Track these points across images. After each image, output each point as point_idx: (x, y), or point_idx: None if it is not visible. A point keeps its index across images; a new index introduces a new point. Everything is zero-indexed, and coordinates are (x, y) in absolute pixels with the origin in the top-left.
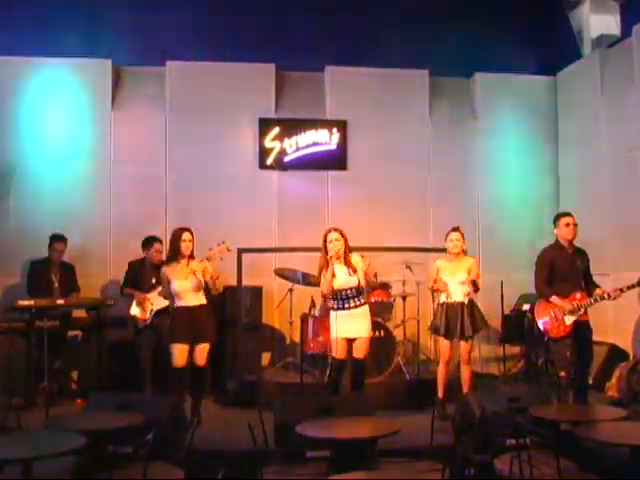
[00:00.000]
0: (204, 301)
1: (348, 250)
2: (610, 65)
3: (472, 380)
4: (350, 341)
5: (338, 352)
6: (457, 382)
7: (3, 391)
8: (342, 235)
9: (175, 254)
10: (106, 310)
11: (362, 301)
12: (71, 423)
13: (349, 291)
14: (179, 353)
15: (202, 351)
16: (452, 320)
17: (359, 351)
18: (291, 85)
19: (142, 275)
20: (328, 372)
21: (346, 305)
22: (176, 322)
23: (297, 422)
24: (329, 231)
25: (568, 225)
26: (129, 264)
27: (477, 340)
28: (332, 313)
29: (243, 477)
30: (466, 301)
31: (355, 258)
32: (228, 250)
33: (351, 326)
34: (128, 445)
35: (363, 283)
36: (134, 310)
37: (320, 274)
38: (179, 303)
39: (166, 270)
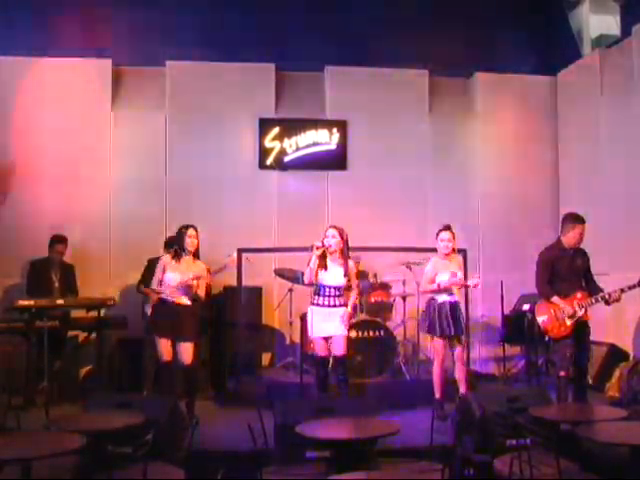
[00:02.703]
0: (189, 302)
1: (347, 250)
2: (610, 65)
3: (468, 379)
4: (327, 339)
5: (319, 349)
6: (455, 382)
7: (3, 391)
8: (340, 234)
9: (180, 250)
10: (106, 310)
11: (343, 302)
12: (71, 423)
13: (334, 289)
14: (163, 347)
15: (186, 350)
16: (446, 319)
17: (338, 348)
18: (291, 85)
19: None
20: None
21: (326, 302)
22: (157, 315)
23: (297, 422)
24: (328, 227)
25: (581, 235)
26: (148, 261)
27: (477, 340)
28: (312, 308)
29: (243, 477)
30: (457, 300)
31: (350, 264)
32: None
33: (326, 325)
34: (128, 445)
35: (353, 287)
36: (147, 309)
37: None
38: (165, 296)
39: (165, 260)
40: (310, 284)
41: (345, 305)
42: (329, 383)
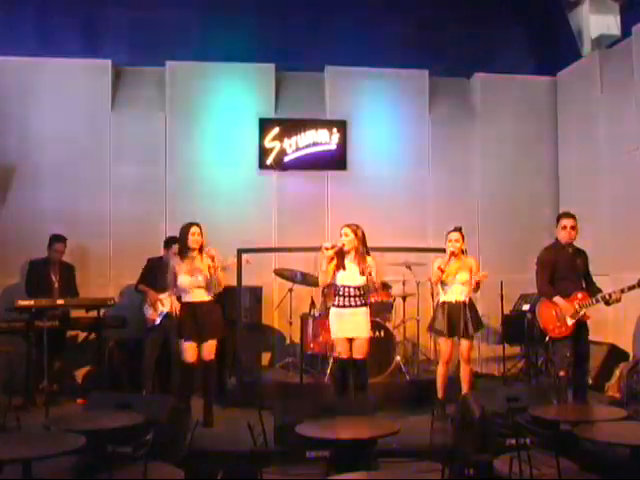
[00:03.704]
0: (208, 297)
1: (365, 250)
2: (610, 65)
3: (471, 379)
4: (350, 340)
5: (342, 351)
6: (457, 382)
7: (3, 391)
8: (354, 232)
9: (184, 249)
10: (106, 310)
11: (364, 301)
12: (71, 423)
13: (354, 289)
14: (188, 349)
15: (210, 347)
16: (455, 319)
17: (359, 351)
18: (291, 85)
19: (159, 273)
20: (329, 372)
21: (347, 303)
22: (182, 318)
23: (297, 422)
24: (342, 226)
25: (565, 228)
26: (148, 260)
27: (477, 340)
28: (332, 310)
29: (243, 477)
30: (467, 300)
31: (369, 260)
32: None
33: (350, 326)
34: (128, 445)
35: (372, 286)
36: (145, 309)
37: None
38: (185, 298)
39: (175, 265)
40: (328, 286)
41: (366, 305)
42: (348, 385)
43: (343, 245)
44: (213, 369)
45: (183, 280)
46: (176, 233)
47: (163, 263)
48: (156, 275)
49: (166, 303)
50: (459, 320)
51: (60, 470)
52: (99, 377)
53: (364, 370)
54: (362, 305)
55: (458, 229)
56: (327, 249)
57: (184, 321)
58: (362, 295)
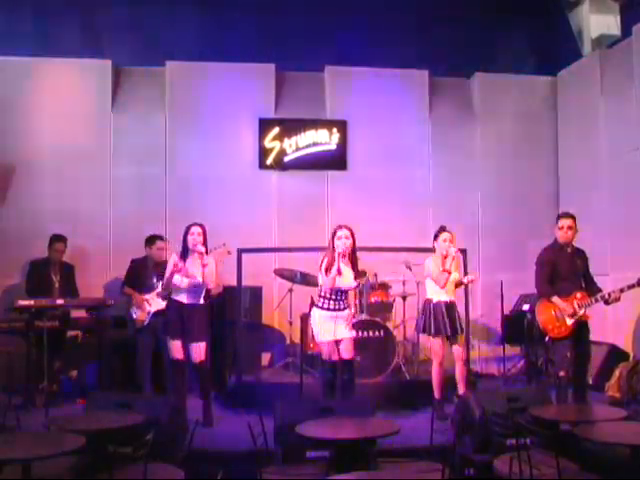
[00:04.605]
0: (198, 301)
1: (355, 251)
2: (610, 65)
3: (468, 379)
4: (336, 342)
5: (331, 354)
6: (454, 382)
7: (3, 391)
8: (352, 234)
9: (185, 249)
10: (106, 310)
11: (346, 304)
12: (71, 423)
13: (345, 294)
14: (175, 347)
15: (198, 349)
16: (452, 318)
17: (347, 352)
18: (291, 85)
19: (143, 273)
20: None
21: (336, 306)
22: (168, 315)
23: (297, 422)
24: (339, 227)
25: (562, 228)
26: (132, 261)
27: (477, 340)
28: (321, 312)
29: (243, 477)
30: (455, 300)
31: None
32: (228, 253)
33: (336, 328)
34: (128, 445)
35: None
36: (133, 312)
37: (321, 269)
38: (174, 296)
39: (175, 259)
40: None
41: (348, 307)
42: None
43: (346, 248)
44: (206, 370)
45: (177, 279)
46: (174, 233)
47: (147, 262)
48: (140, 275)
49: (153, 303)
50: (446, 319)
51: (60, 470)
52: (99, 377)
53: (352, 368)
54: (346, 307)
55: (445, 228)
56: (339, 254)
57: (171, 320)
58: (347, 298)
